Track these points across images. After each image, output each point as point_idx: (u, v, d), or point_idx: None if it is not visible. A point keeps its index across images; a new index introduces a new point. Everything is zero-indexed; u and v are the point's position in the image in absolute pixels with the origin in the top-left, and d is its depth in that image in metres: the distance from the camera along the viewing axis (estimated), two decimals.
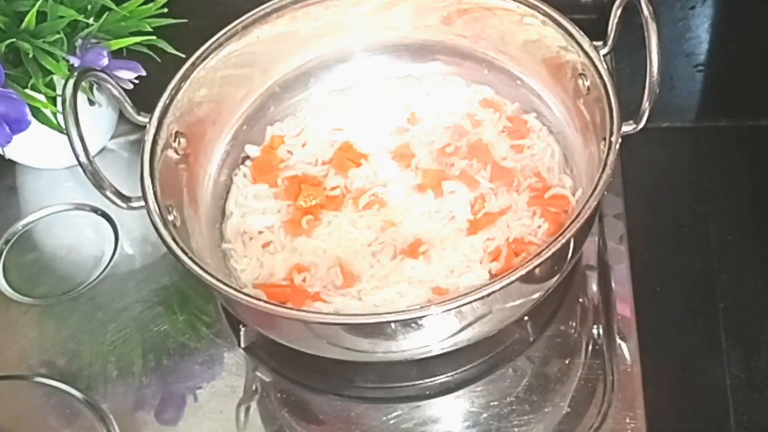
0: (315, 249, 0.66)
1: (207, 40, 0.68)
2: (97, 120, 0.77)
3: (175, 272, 0.71)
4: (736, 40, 0.86)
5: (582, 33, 0.65)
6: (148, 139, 0.63)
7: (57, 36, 0.67)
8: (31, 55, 0.67)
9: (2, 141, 0.67)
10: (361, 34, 0.74)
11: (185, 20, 0.72)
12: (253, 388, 0.65)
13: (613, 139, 0.58)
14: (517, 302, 0.58)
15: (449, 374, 0.64)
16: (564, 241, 0.55)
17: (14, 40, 0.67)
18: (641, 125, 0.60)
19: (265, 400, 0.64)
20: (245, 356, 0.66)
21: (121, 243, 0.74)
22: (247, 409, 0.64)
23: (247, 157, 0.72)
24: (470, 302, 0.53)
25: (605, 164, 0.57)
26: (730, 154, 0.77)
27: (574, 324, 0.65)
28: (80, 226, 0.76)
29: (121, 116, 0.76)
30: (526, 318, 0.63)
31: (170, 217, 0.61)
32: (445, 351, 0.60)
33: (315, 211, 0.67)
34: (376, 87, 0.75)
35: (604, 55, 0.64)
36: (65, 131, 0.59)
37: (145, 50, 0.71)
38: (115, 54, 0.70)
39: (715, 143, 0.78)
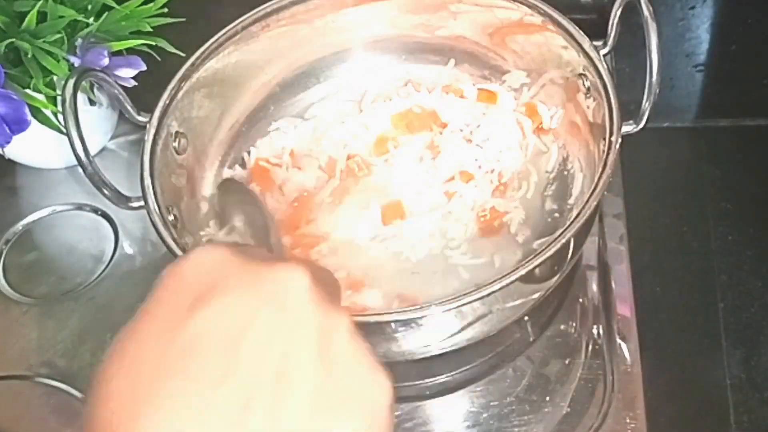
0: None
1: (206, 39, 0.68)
2: (97, 120, 0.77)
3: None
4: (736, 40, 0.86)
5: (582, 33, 0.65)
6: (148, 139, 0.63)
7: (57, 36, 0.67)
8: (30, 55, 0.66)
9: (2, 141, 0.67)
10: (361, 34, 0.74)
11: (184, 19, 0.72)
12: None
13: (613, 139, 0.58)
14: (517, 302, 0.58)
15: (449, 374, 0.64)
16: (564, 241, 0.55)
17: (14, 40, 0.67)
18: (641, 125, 0.60)
19: None
20: None
21: (121, 243, 0.74)
22: None
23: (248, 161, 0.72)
24: (470, 302, 0.53)
25: (605, 164, 0.57)
26: (730, 154, 0.77)
27: (574, 324, 0.65)
28: (80, 226, 0.76)
29: (121, 116, 0.76)
30: (526, 318, 0.63)
31: (170, 217, 0.61)
32: (445, 351, 0.60)
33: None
34: (377, 88, 0.75)
35: (604, 55, 0.64)
36: (65, 131, 0.59)
37: (146, 49, 0.71)
38: (115, 52, 0.70)
39: (715, 143, 0.78)
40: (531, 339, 0.64)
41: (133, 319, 0.30)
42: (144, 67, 0.70)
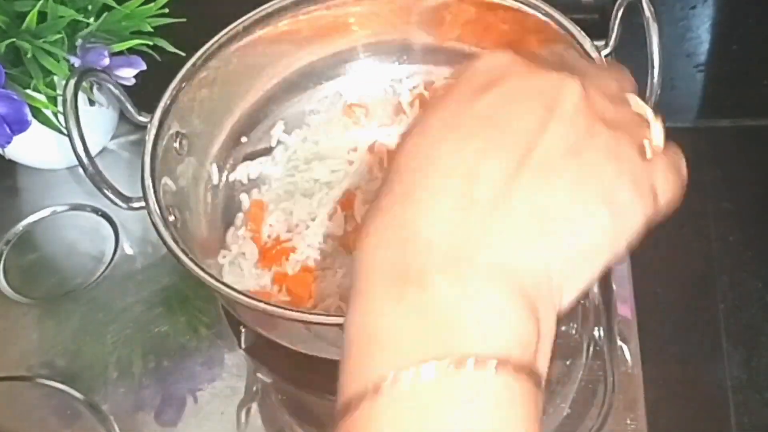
0: None
1: (207, 39, 0.68)
2: (97, 120, 0.77)
3: (175, 273, 0.70)
4: (737, 40, 0.85)
5: (583, 33, 0.65)
6: (149, 139, 0.63)
7: (58, 36, 0.67)
8: (30, 55, 0.66)
9: (2, 141, 0.67)
10: (362, 34, 0.74)
11: (184, 19, 0.71)
12: (254, 389, 0.65)
13: None
14: None
15: None
16: None
17: (14, 40, 0.67)
18: None
19: (266, 401, 0.64)
20: (246, 357, 0.66)
21: (121, 244, 0.74)
22: (248, 411, 0.64)
23: (248, 158, 0.72)
24: None
25: None
26: (731, 154, 0.77)
27: (574, 325, 0.65)
28: (80, 226, 0.76)
29: (122, 116, 0.76)
30: None
31: (171, 218, 0.61)
32: None
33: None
34: (377, 87, 0.75)
35: (606, 56, 0.63)
36: (66, 131, 0.59)
37: (146, 48, 0.71)
38: (116, 51, 0.70)
39: (716, 143, 0.78)
40: None
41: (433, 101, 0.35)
42: (144, 67, 0.70)
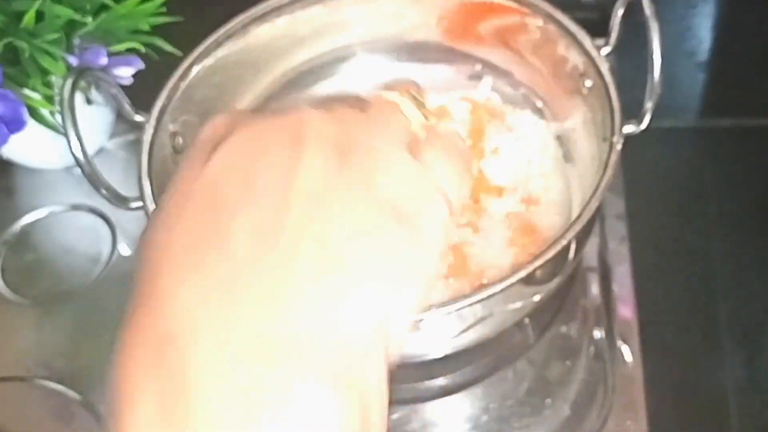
0: None
1: (204, 38, 0.68)
2: (95, 120, 0.76)
3: None
4: (738, 39, 0.85)
5: (583, 32, 0.64)
6: (146, 139, 0.62)
7: (56, 35, 0.67)
8: (28, 55, 0.66)
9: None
10: (361, 33, 0.74)
11: (182, 18, 0.71)
12: None
13: (614, 139, 0.58)
14: (518, 304, 0.58)
15: (449, 376, 0.63)
16: (565, 242, 0.54)
17: (12, 39, 0.66)
18: (643, 125, 0.60)
19: None
20: None
21: (118, 244, 0.74)
22: None
23: None
24: (470, 304, 0.53)
25: (607, 165, 0.57)
26: (733, 154, 0.77)
27: (575, 326, 0.65)
28: (78, 227, 0.76)
29: (120, 116, 0.76)
30: (526, 320, 0.62)
31: None
32: (445, 353, 0.59)
33: None
34: (375, 86, 0.75)
35: (606, 55, 0.63)
36: (63, 131, 0.59)
37: (143, 48, 0.71)
38: (113, 51, 0.70)
39: (718, 143, 0.77)
40: (531, 341, 0.64)
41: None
42: (142, 66, 0.69)
